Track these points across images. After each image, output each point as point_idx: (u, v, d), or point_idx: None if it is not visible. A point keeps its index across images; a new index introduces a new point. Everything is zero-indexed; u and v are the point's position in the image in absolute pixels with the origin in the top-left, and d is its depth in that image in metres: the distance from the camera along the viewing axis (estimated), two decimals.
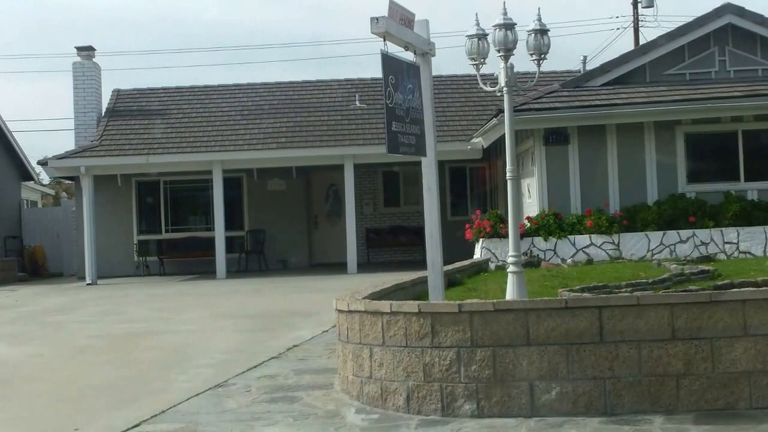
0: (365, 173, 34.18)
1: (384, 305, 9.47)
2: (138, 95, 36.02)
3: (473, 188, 33.81)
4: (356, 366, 9.77)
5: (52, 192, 55.99)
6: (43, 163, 32.30)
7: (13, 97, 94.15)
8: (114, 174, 31.70)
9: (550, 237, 22.86)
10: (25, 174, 42.92)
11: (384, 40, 10.54)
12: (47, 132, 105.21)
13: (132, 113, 34.29)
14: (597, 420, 8.47)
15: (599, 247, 22.72)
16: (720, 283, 14.33)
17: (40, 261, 38.23)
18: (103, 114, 34.37)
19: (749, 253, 22.33)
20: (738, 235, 22.52)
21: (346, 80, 36.11)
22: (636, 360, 8.63)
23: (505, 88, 13.50)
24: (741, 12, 24.08)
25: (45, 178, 48.26)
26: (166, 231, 33.82)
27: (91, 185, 30.43)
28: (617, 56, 25.27)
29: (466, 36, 13.46)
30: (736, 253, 22.37)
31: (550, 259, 22.58)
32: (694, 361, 8.61)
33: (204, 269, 31.70)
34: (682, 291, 11.73)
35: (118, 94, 36.04)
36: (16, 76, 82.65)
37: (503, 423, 8.56)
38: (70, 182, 41.10)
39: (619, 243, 22.70)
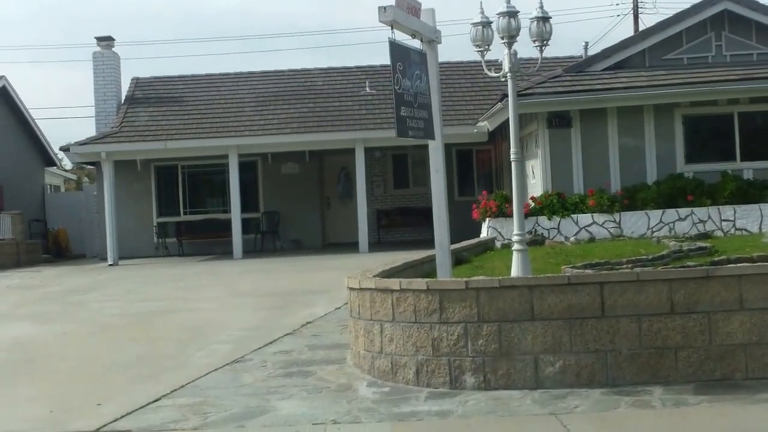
0: (375, 156, 34.67)
1: (394, 283, 9.71)
2: (156, 83, 36.47)
3: (479, 170, 34.09)
4: (367, 341, 10.03)
5: (74, 177, 56.18)
6: (65, 149, 32.70)
7: (37, 86, 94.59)
8: (134, 159, 32.21)
9: (554, 216, 23.38)
10: (48, 160, 43.64)
11: (392, 29, 10.97)
12: (69, 119, 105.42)
13: (150, 101, 34.81)
14: (599, 391, 8.77)
15: (601, 225, 23.23)
16: (717, 259, 14.64)
17: (63, 243, 38.72)
18: (122, 101, 34.87)
19: (745, 230, 22.81)
20: (734, 212, 22.98)
21: (357, 67, 36.56)
22: (636, 333, 8.91)
23: (509, 74, 13.90)
24: None
25: (67, 163, 48.29)
26: (185, 213, 34.31)
27: (112, 170, 31.03)
28: (617, 42, 25.76)
29: (471, 24, 13.81)
30: (732, 230, 22.83)
31: (553, 237, 23.08)
32: (692, 334, 8.89)
33: (221, 250, 32.21)
34: (681, 267, 11.89)
35: (136, 82, 36.53)
36: (40, 66, 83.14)
37: (509, 395, 8.86)
38: (91, 167, 41.50)
39: (620, 221, 23.20)
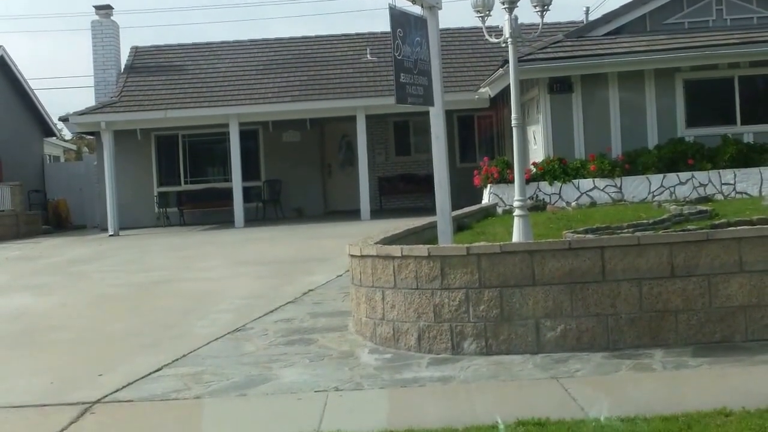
0: (377, 123, 34.38)
1: (395, 249, 9.83)
2: (156, 52, 36.32)
3: (481, 136, 34.00)
4: (369, 308, 10.14)
5: (74, 147, 55.81)
6: (64, 119, 32.47)
7: (35, 55, 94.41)
8: (134, 129, 31.96)
9: (555, 181, 23.46)
10: (48, 130, 43.47)
11: None
12: (68, 89, 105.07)
13: (150, 70, 34.62)
14: (600, 355, 8.90)
15: (602, 190, 23.31)
16: (717, 222, 14.79)
17: (63, 214, 38.65)
18: (122, 71, 34.71)
19: (745, 193, 22.89)
20: (735, 176, 23.04)
21: (357, 34, 36.39)
22: (637, 297, 9.03)
23: (509, 40, 13.97)
24: None
25: (67, 133, 48.23)
26: (185, 183, 34.20)
27: (112, 140, 30.84)
28: (618, 7, 25.54)
29: None
30: (732, 194, 22.92)
31: (555, 202, 23.19)
32: (692, 297, 9.02)
33: (222, 219, 32.11)
34: (681, 231, 12.19)
35: (136, 51, 36.38)
36: (38, 36, 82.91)
37: (510, 360, 8.98)
38: (91, 137, 41.35)
39: (621, 186, 23.27)
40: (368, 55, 33.52)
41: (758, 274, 9.05)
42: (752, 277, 9.05)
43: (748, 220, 14.47)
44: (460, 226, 17.62)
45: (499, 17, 14.34)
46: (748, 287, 9.05)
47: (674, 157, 23.27)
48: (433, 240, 13.09)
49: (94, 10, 34.66)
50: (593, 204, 22.86)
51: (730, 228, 10.96)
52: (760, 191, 22.84)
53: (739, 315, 9.05)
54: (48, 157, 44.68)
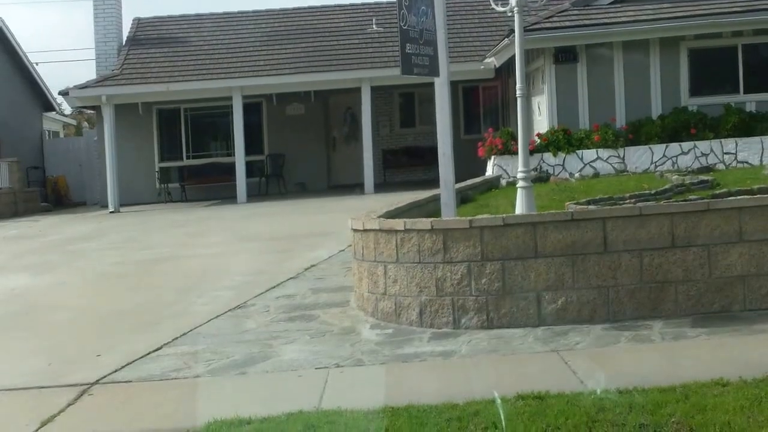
0: (382, 95, 34.19)
1: (398, 223, 9.80)
2: (158, 23, 35.90)
3: (486, 107, 33.72)
4: (371, 283, 10.12)
5: (73, 122, 55.00)
6: (64, 93, 32.05)
7: (34, 28, 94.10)
8: (135, 102, 31.67)
9: (559, 152, 23.39)
10: (47, 105, 42.86)
11: None
12: (69, 63, 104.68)
13: (152, 41, 34.25)
14: (600, 327, 8.94)
15: (605, 161, 23.24)
16: (718, 192, 14.79)
17: (63, 191, 38.34)
18: (123, 43, 34.34)
19: (747, 162, 22.82)
20: (736, 145, 22.96)
21: (363, 4, 36.06)
22: (637, 268, 9.07)
23: (515, 8, 13.86)
24: None
25: (67, 108, 47.72)
26: (187, 158, 33.88)
27: (113, 114, 30.52)
28: None
29: None
30: (734, 163, 22.87)
31: (558, 173, 23.13)
32: (692, 268, 9.07)
33: (225, 194, 31.83)
34: (682, 201, 12.21)
35: (138, 22, 35.96)
36: (38, 7, 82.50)
37: (511, 333, 9.00)
38: (91, 112, 40.97)
39: (624, 156, 23.21)
40: (374, 26, 33.28)
41: (757, 243, 9.12)
42: (752, 246, 9.11)
43: (749, 189, 14.53)
44: (464, 199, 17.64)
45: None
46: (747, 257, 9.11)
47: (677, 127, 23.20)
48: (436, 213, 13.07)
49: None
50: (596, 175, 22.82)
51: (730, 198, 11.00)
52: (761, 160, 22.77)
53: (737, 285, 9.11)
54: (47, 133, 44.22)
